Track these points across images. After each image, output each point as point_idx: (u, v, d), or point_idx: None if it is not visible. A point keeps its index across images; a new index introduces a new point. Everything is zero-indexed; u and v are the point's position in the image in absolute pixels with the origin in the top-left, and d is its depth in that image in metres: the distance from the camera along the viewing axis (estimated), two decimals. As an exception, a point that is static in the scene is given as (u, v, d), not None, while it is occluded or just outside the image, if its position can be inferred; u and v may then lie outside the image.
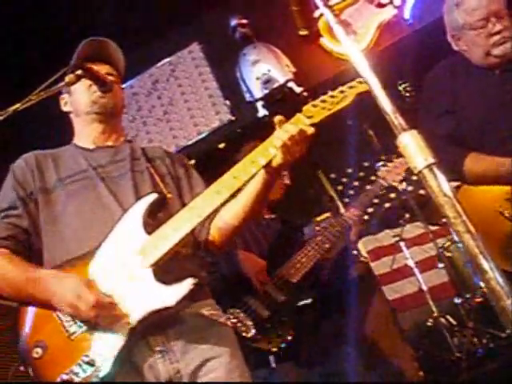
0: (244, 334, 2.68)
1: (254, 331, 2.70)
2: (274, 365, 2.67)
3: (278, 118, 1.87)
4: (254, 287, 2.82)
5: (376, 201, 5.70)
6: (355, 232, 3.25)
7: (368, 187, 3.44)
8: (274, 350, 2.70)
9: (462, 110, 2.65)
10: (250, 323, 2.71)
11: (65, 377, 1.71)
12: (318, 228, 3.17)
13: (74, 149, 2.17)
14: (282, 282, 2.88)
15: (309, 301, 2.93)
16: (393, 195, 5.10)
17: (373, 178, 3.45)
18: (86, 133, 2.17)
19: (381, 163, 3.51)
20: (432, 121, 2.66)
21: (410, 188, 4.81)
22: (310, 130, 1.85)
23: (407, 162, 3.64)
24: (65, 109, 2.26)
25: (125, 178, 2.04)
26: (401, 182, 3.42)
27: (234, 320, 2.70)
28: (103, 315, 1.73)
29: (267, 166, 1.87)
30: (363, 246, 5.89)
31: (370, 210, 5.82)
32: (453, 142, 2.58)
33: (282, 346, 2.72)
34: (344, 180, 4.84)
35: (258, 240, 3.06)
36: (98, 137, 2.16)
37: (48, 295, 1.78)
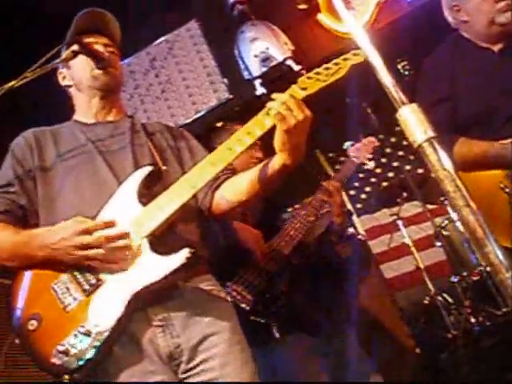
0: (244, 306, 2.69)
1: (253, 303, 2.71)
2: (277, 335, 2.68)
3: (274, 95, 1.88)
4: (254, 256, 2.82)
5: (373, 180, 5.72)
6: (337, 204, 3.20)
7: (339, 166, 3.50)
8: (276, 321, 2.72)
9: (460, 94, 2.62)
10: (249, 296, 2.72)
11: (61, 348, 1.71)
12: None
13: (73, 124, 2.16)
14: (274, 253, 2.89)
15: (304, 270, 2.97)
16: (391, 174, 5.13)
17: (343, 158, 3.49)
18: (87, 107, 2.16)
19: (350, 143, 3.57)
20: (427, 109, 2.63)
21: (407, 167, 4.83)
22: (300, 94, 1.85)
23: (374, 141, 3.64)
24: (63, 83, 2.24)
25: (124, 151, 2.04)
26: (369, 160, 3.47)
27: (234, 293, 2.71)
28: (111, 245, 1.75)
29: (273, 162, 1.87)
30: (361, 225, 5.93)
31: (368, 188, 5.85)
32: (447, 131, 2.55)
33: (283, 315, 2.74)
34: (342, 159, 4.83)
35: (244, 216, 3.06)
36: (98, 111, 2.15)
37: (48, 250, 1.79)
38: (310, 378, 2.75)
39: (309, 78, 1.92)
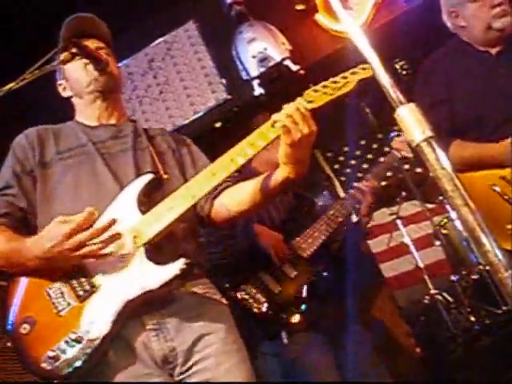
0: (255, 310, 2.69)
1: (266, 306, 2.70)
2: (285, 340, 2.67)
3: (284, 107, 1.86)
4: (272, 260, 2.81)
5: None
6: (367, 204, 3.17)
7: (382, 159, 3.39)
8: (285, 327, 2.71)
9: (458, 97, 2.64)
10: (262, 299, 2.71)
11: (51, 353, 1.71)
12: (331, 201, 3.14)
13: (76, 124, 2.16)
14: (293, 256, 2.88)
15: (323, 274, 2.93)
16: (389, 174, 5.11)
17: (387, 149, 3.39)
18: (90, 111, 2.16)
19: (395, 133, 3.44)
20: (425, 111, 2.64)
21: (406, 166, 4.83)
22: (306, 107, 1.83)
23: None
24: (64, 94, 2.24)
25: (126, 154, 2.04)
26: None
27: (246, 296, 2.71)
28: (103, 236, 1.74)
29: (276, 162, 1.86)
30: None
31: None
32: (445, 133, 2.57)
33: (294, 321, 2.73)
34: (341, 159, 4.84)
35: (270, 214, 3.04)
36: (101, 114, 2.15)
37: (38, 260, 1.77)
38: (322, 376, 2.74)
39: (315, 90, 1.90)
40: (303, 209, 3.15)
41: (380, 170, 3.31)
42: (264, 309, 2.70)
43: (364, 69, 1.92)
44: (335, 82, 1.92)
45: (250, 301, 2.70)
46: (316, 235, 2.94)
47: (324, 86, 1.92)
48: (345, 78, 1.93)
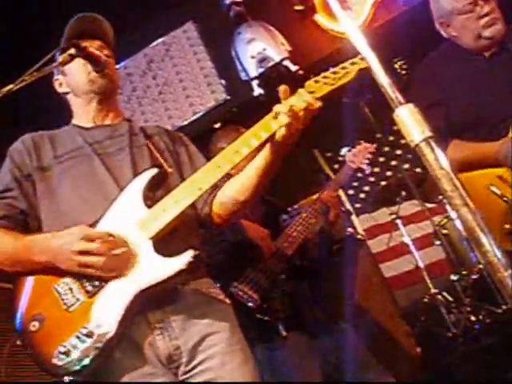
0: (251, 305, 2.74)
1: (259, 302, 2.76)
2: (284, 333, 2.73)
3: (282, 87, 1.86)
4: (260, 255, 2.88)
5: (372, 179, 5.72)
6: (334, 214, 3.29)
7: (336, 171, 3.64)
8: (281, 319, 2.77)
9: (453, 99, 2.65)
10: (255, 295, 2.76)
11: (62, 349, 1.71)
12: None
13: (71, 128, 2.17)
14: (277, 254, 2.95)
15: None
16: (389, 173, 5.12)
17: (341, 158, 3.62)
18: (85, 112, 2.16)
19: (347, 148, 3.70)
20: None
21: (406, 166, 4.84)
22: (314, 102, 1.83)
23: (370, 147, 3.80)
24: (60, 90, 2.23)
25: (122, 153, 2.04)
26: (367, 164, 3.62)
27: (240, 293, 2.76)
28: (116, 254, 1.75)
29: (271, 141, 1.87)
30: (360, 224, 5.93)
31: (366, 188, 5.85)
32: (440, 135, 2.57)
33: (287, 313, 2.80)
34: (340, 158, 4.84)
35: (247, 218, 3.09)
36: (96, 115, 2.15)
37: (50, 254, 1.79)
38: (304, 376, 2.78)
39: (316, 81, 1.92)
40: (272, 217, 3.25)
41: (336, 181, 3.53)
42: (258, 304, 2.76)
43: (363, 59, 1.93)
44: (335, 73, 1.95)
45: (245, 297, 2.75)
46: (295, 235, 3.05)
47: (324, 77, 1.94)
48: (344, 68, 1.96)
